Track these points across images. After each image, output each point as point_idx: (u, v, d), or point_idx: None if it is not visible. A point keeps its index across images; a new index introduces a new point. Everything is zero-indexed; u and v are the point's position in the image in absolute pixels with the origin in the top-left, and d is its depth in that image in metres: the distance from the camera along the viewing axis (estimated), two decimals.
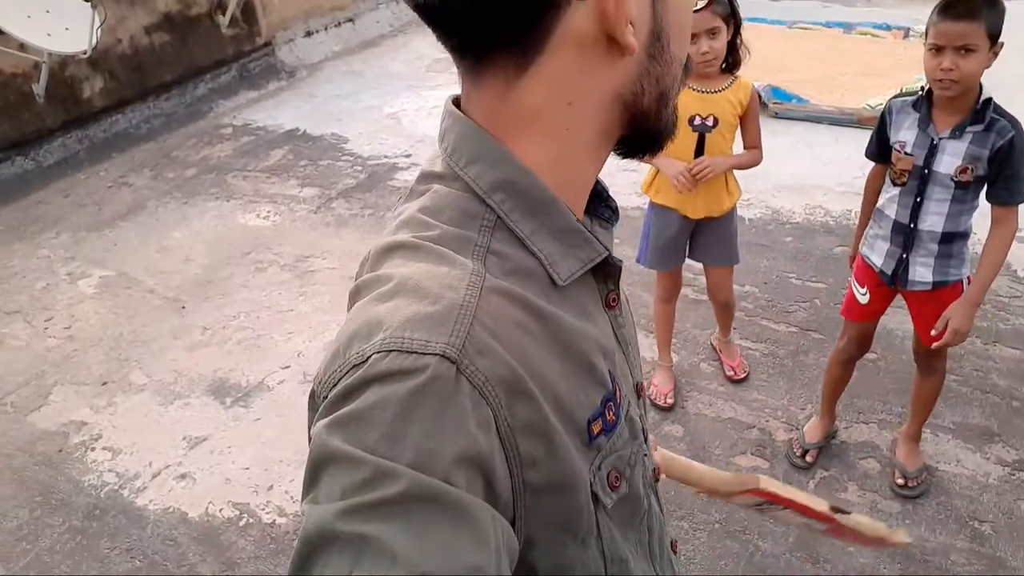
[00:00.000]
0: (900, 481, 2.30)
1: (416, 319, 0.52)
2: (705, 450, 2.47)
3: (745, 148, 2.38)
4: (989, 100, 1.86)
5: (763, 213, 3.69)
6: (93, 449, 2.63)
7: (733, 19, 2.14)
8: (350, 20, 6.95)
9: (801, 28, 6.09)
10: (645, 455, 0.70)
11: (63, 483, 2.50)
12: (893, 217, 2.04)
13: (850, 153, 3.78)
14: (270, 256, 3.65)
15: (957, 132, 1.88)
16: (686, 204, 2.36)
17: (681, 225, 2.42)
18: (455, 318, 0.52)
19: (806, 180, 3.88)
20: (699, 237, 2.48)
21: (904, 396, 2.61)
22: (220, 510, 2.36)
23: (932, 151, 1.92)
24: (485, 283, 0.55)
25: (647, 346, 2.90)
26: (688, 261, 2.58)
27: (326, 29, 6.70)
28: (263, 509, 2.36)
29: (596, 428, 0.61)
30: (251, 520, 2.32)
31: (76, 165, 4.69)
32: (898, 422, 2.53)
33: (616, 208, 0.71)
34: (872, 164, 2.16)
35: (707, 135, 2.25)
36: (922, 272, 2.04)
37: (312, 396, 0.57)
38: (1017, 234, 3.39)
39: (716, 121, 2.24)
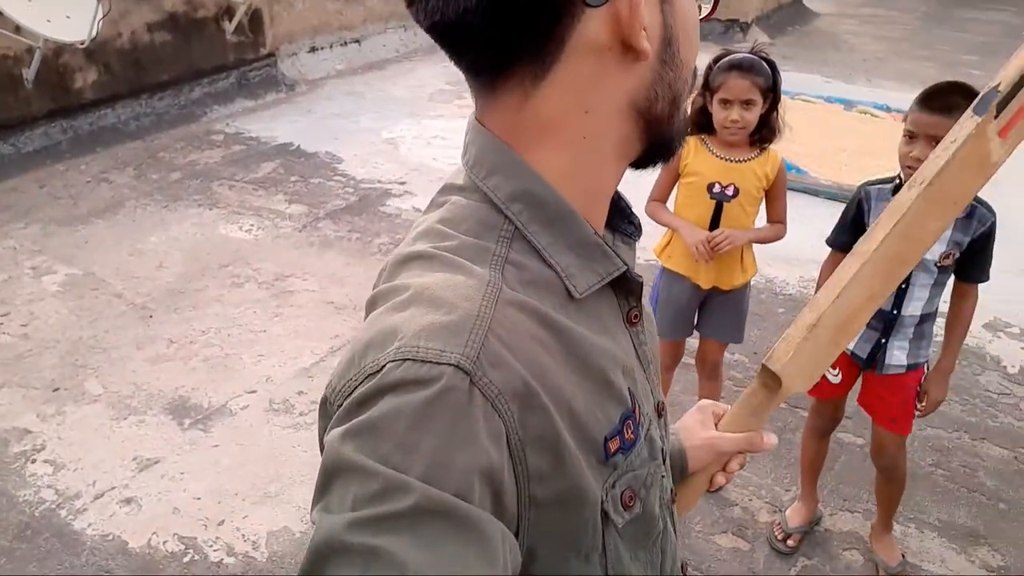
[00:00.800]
0: None
1: (431, 328, 0.52)
2: (684, 525, 2.35)
3: (769, 222, 2.30)
4: None
5: (757, 281, 3.62)
6: (34, 461, 2.45)
7: (772, 92, 2.09)
8: (356, 41, 6.91)
9: (803, 100, 6.15)
10: (663, 476, 0.68)
11: None
12: None
13: None
14: (248, 271, 3.51)
15: None
16: (699, 272, 2.27)
17: (692, 294, 2.33)
18: (470, 328, 0.52)
19: (801, 252, 3.83)
20: (706, 309, 2.39)
21: None
22: (164, 543, 2.19)
23: None
24: (501, 295, 0.55)
25: None
26: None
27: (331, 47, 6.65)
28: (211, 546, 2.19)
29: (613, 446, 0.60)
30: (196, 557, 2.16)
31: (57, 156, 4.54)
32: None
33: (639, 224, 0.71)
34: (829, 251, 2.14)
35: (725, 204, 2.18)
36: (898, 356, 2.04)
37: (324, 404, 0.56)
38: (1007, 328, 3.41)
39: (737, 191, 2.16)
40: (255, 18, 5.79)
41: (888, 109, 5.88)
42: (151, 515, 2.28)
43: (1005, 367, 3.17)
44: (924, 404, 2.07)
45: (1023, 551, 2.33)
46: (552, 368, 0.56)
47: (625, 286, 0.65)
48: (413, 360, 0.50)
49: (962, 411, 2.90)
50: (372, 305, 0.59)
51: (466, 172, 0.62)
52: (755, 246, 2.35)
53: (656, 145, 0.64)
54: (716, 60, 2.10)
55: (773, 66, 2.10)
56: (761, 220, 2.32)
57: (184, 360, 2.94)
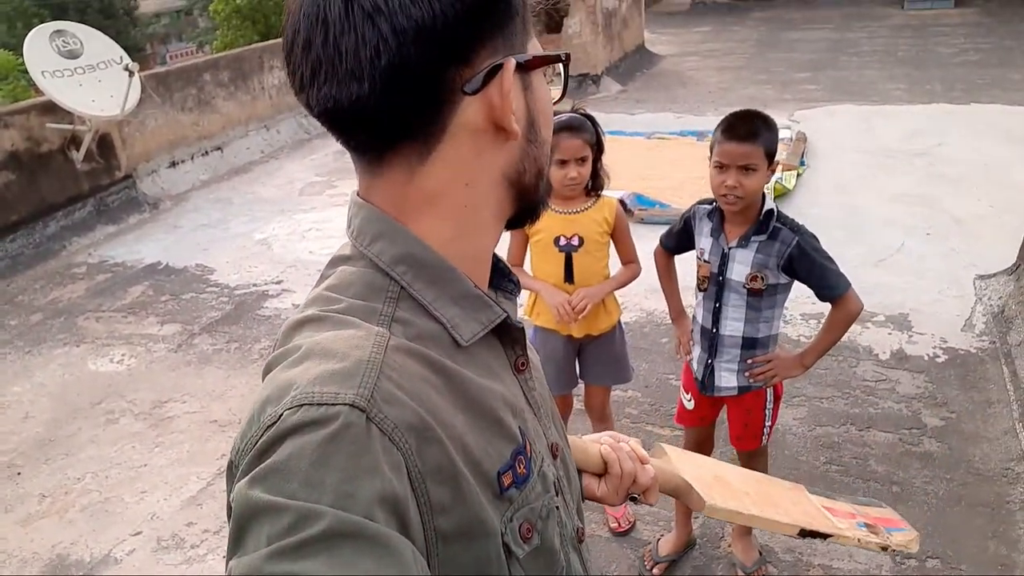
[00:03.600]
0: None
1: (325, 375, 0.54)
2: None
3: (622, 264, 2.38)
4: (771, 211, 1.94)
5: (638, 316, 3.74)
6: None
7: (596, 145, 2.18)
8: (218, 148, 6.85)
9: (659, 138, 6.48)
10: (557, 507, 0.70)
11: None
12: (701, 322, 2.11)
13: None
14: (123, 405, 3.33)
15: (743, 242, 1.95)
16: (568, 324, 2.32)
17: (566, 345, 2.37)
18: (362, 372, 0.55)
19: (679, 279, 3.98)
20: (584, 357, 2.44)
21: None
22: None
23: (724, 260, 1.99)
24: (390, 342, 0.59)
25: None
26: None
27: (192, 159, 6.56)
28: None
29: (507, 480, 0.63)
30: None
31: None
32: None
33: (518, 282, 0.77)
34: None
35: (573, 254, 2.24)
36: (727, 378, 2.09)
37: (230, 467, 0.58)
38: (873, 318, 3.61)
39: (581, 240, 2.23)
40: (105, 143, 5.66)
41: None
42: None
43: (877, 355, 3.35)
44: (764, 360, 2.03)
45: (921, 529, 2.42)
46: (443, 407, 0.59)
47: (510, 335, 0.70)
48: (309, 404, 0.52)
49: (845, 404, 3.03)
50: (268, 370, 0.62)
51: (351, 242, 0.67)
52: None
53: (525, 208, 0.71)
54: None
55: (594, 121, 2.21)
56: (615, 264, 2.39)
57: (60, 514, 2.73)
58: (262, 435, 0.53)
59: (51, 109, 5.21)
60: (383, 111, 0.60)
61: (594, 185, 2.24)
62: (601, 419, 2.57)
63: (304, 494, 0.49)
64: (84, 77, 5.23)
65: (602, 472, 0.92)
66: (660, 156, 5.92)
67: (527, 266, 2.40)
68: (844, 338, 3.39)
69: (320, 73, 0.60)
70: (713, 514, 1.01)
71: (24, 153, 5.16)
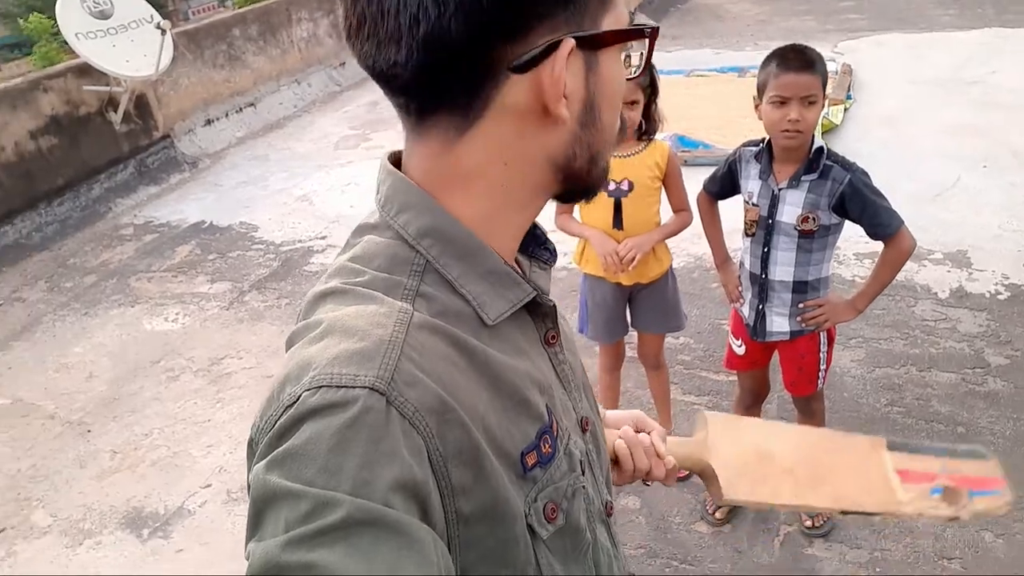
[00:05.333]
0: (808, 523, 2.26)
1: (344, 355, 0.53)
2: (665, 520, 2.35)
3: (673, 212, 2.33)
4: (821, 148, 1.88)
5: (687, 261, 3.69)
6: None
7: (651, 87, 2.12)
8: (251, 104, 6.82)
9: (698, 76, 6.30)
10: (584, 486, 0.70)
11: None
12: (749, 268, 2.07)
13: None
14: (181, 362, 3.40)
15: (794, 182, 1.90)
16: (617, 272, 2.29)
17: (616, 293, 2.35)
18: (383, 352, 0.53)
19: (724, 224, 3.90)
20: (635, 304, 2.42)
21: None
22: None
23: (774, 201, 1.94)
24: (413, 319, 0.57)
25: None
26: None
27: (227, 116, 6.55)
28: None
29: (531, 460, 0.62)
30: None
31: None
32: None
33: (554, 250, 0.74)
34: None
35: (623, 200, 2.20)
36: (779, 322, 2.05)
37: (249, 445, 0.57)
38: (930, 255, 3.52)
39: (631, 185, 2.19)
40: (141, 103, 5.66)
41: None
42: None
43: (936, 293, 3.27)
44: (815, 305, 1.99)
45: None
46: (465, 386, 0.57)
47: (540, 310, 0.68)
48: (328, 386, 0.51)
49: (904, 345, 2.98)
50: (290, 344, 0.61)
51: (378, 210, 0.65)
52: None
53: (574, 191, 0.66)
54: None
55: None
56: (666, 211, 2.34)
57: (131, 469, 2.82)
58: (281, 416, 0.52)
59: (87, 71, 5.21)
60: (420, 81, 0.57)
61: (647, 129, 2.19)
62: (655, 367, 2.56)
63: (322, 481, 0.49)
64: (117, 37, 5.21)
65: (613, 461, 0.90)
66: (700, 94, 5.76)
67: (576, 212, 2.36)
68: (901, 277, 3.35)
69: (364, 28, 0.57)
70: (734, 503, 0.98)
71: (64, 117, 5.19)
